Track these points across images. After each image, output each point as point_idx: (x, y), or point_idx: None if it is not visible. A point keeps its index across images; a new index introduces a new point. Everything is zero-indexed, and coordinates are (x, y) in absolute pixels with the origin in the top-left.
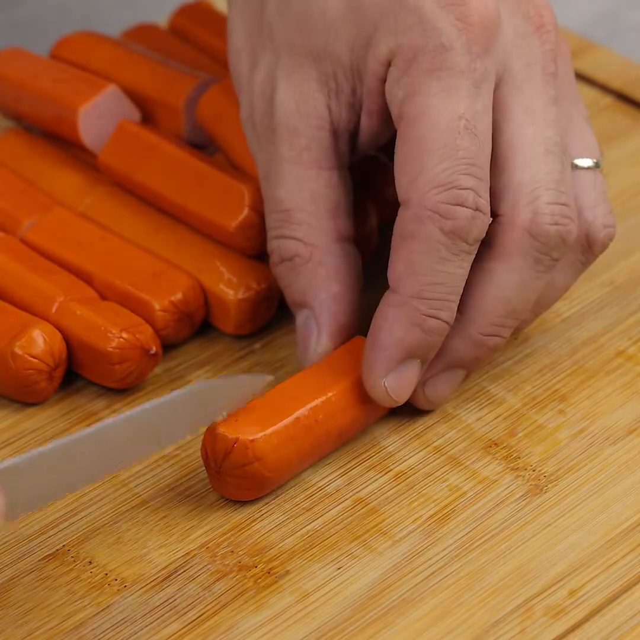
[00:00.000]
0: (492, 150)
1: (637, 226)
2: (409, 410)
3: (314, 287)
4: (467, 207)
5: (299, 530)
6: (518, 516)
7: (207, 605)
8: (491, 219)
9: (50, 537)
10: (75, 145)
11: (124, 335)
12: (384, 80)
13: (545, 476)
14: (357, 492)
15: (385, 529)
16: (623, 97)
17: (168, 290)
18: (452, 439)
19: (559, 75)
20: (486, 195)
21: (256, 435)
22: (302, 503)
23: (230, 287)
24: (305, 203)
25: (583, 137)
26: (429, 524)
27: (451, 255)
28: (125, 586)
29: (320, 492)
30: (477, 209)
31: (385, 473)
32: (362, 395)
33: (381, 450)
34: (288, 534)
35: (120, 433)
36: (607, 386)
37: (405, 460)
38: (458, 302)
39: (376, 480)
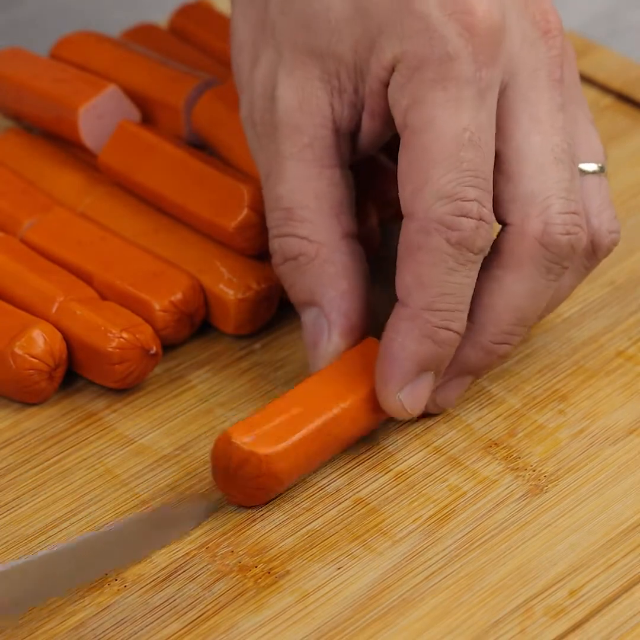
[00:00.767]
0: (499, 158)
1: (637, 226)
2: None
3: (322, 285)
4: (471, 217)
5: (299, 530)
6: (518, 516)
7: (207, 605)
8: (499, 227)
9: (50, 537)
10: (75, 145)
11: (124, 335)
12: (387, 84)
13: (545, 476)
14: (357, 492)
15: (385, 529)
16: (623, 97)
17: (168, 290)
18: (452, 439)
19: (565, 80)
20: (490, 205)
21: (272, 449)
22: (302, 503)
23: (230, 287)
24: (308, 200)
25: (588, 140)
26: (429, 524)
27: (458, 266)
28: (125, 586)
29: (320, 492)
30: (480, 219)
31: (385, 473)
32: (376, 405)
33: (381, 450)
34: (288, 534)
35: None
36: (607, 386)
37: (405, 460)
38: (467, 311)
39: (376, 480)
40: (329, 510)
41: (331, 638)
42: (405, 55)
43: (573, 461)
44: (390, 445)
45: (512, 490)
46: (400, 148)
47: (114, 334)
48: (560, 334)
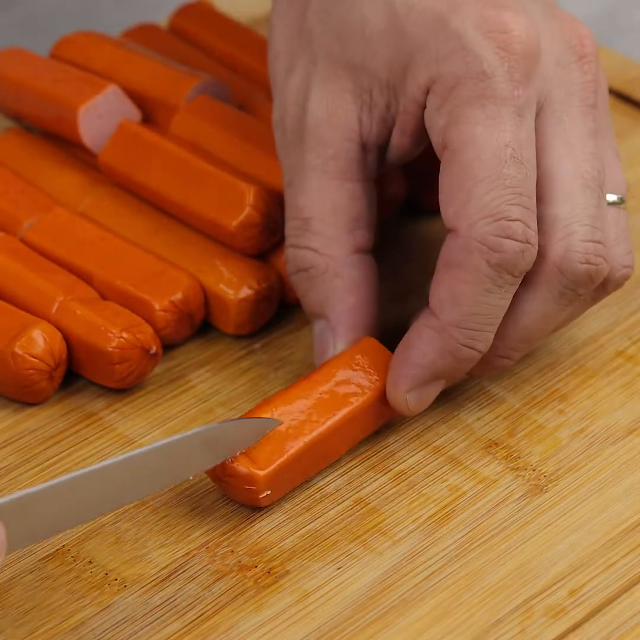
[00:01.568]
0: None
1: (637, 226)
2: None
3: (331, 299)
4: (516, 239)
5: (299, 530)
6: (518, 516)
7: (207, 605)
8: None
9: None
10: (75, 145)
11: (124, 335)
12: (423, 107)
13: (545, 476)
14: (357, 492)
15: (385, 529)
16: (623, 97)
17: (168, 290)
18: (452, 439)
19: (597, 106)
20: (534, 225)
21: (268, 469)
22: (302, 503)
23: (230, 287)
24: (326, 213)
25: (612, 171)
26: (429, 524)
27: (495, 287)
28: (125, 586)
29: (320, 492)
30: (527, 242)
31: (385, 473)
32: (376, 410)
33: (381, 450)
34: (288, 534)
35: (125, 471)
36: (607, 386)
37: (405, 460)
38: (495, 332)
39: (376, 480)
40: (329, 510)
41: (331, 638)
42: (441, 76)
43: (573, 461)
44: (390, 445)
45: (512, 490)
46: (440, 169)
47: (114, 333)
48: (560, 334)
